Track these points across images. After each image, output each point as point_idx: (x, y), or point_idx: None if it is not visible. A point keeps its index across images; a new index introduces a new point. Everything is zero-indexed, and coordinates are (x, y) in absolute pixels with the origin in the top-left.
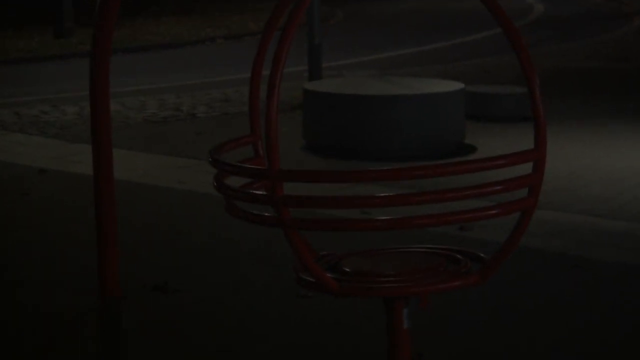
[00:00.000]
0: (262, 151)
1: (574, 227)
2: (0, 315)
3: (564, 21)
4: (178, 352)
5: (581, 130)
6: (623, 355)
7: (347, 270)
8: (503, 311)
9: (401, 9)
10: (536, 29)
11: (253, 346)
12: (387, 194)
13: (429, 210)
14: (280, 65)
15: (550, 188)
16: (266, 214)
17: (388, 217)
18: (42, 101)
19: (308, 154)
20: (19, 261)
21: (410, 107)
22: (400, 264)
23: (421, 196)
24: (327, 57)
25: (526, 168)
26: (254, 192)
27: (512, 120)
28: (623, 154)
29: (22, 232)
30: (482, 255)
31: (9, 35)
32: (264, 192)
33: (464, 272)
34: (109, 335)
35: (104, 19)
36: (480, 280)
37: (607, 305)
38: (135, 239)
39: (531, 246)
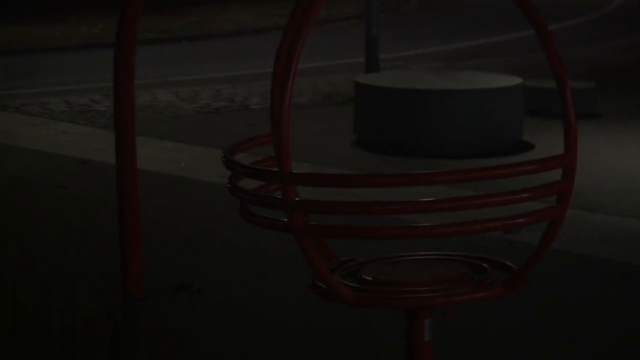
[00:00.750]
0: None
1: (625, 232)
2: (6, 314)
3: None
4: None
5: None
6: None
7: (367, 278)
8: (538, 323)
9: None
10: (611, 21)
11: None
12: (407, 200)
13: (453, 218)
14: (295, 59)
15: (604, 190)
16: (280, 219)
17: (407, 225)
18: (95, 90)
19: (359, 150)
20: (37, 257)
21: (466, 102)
22: (423, 273)
23: (442, 203)
24: (392, 48)
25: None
26: (266, 195)
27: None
28: None
29: (47, 227)
30: (509, 264)
31: (73, 22)
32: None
33: (489, 283)
34: (125, 336)
35: (126, 11)
36: (506, 293)
37: None
38: (168, 235)
39: (576, 251)
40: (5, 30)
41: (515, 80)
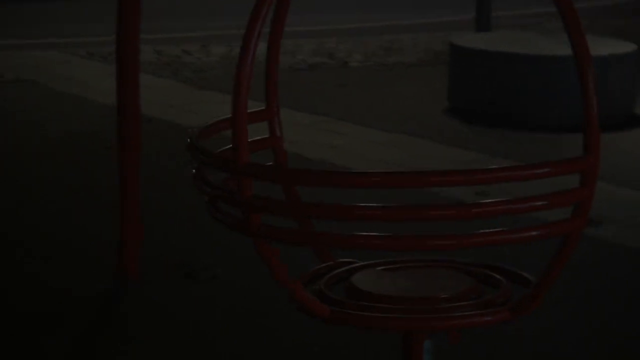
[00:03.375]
0: (279, 130)
1: None
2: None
3: None
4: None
5: None
6: None
7: (355, 288)
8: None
9: None
10: None
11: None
12: (395, 205)
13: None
14: (258, 21)
15: None
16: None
17: (393, 235)
18: (192, 39)
19: (451, 119)
20: (49, 231)
21: (573, 70)
22: (423, 285)
23: (438, 210)
24: (518, 3)
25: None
26: (224, 188)
27: None
28: None
29: (69, 198)
30: (530, 278)
31: None
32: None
33: (500, 303)
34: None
35: None
36: (512, 317)
37: None
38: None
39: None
40: None
41: (630, 47)
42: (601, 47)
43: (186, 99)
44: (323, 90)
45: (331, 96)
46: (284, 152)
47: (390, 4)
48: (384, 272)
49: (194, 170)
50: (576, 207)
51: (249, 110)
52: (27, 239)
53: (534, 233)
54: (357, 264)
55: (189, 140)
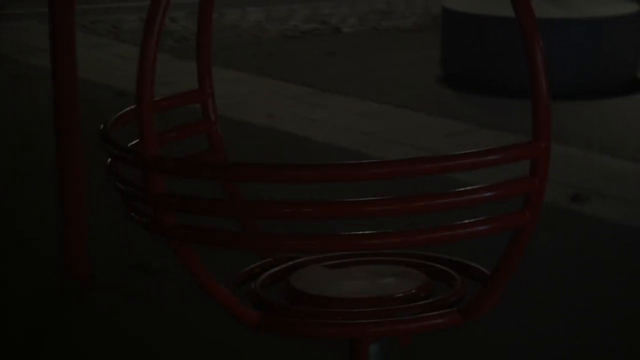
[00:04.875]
0: (212, 114)
1: None
2: None
3: None
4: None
5: None
6: None
7: (294, 288)
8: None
9: None
10: None
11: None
12: (328, 202)
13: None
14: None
15: None
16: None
17: (327, 234)
18: (179, 6)
19: (442, 87)
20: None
21: (570, 33)
22: (369, 284)
23: (372, 205)
24: None
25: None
26: (133, 183)
27: None
28: None
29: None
30: (488, 272)
31: None
32: None
33: (452, 303)
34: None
35: None
36: (460, 321)
37: None
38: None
39: None
40: None
41: (632, 8)
42: (600, 7)
43: (163, 69)
44: (311, 59)
45: (319, 65)
46: (220, 137)
47: None
48: (327, 269)
49: (107, 164)
50: (527, 198)
51: (182, 91)
52: None
53: (488, 227)
54: (299, 260)
55: (100, 132)
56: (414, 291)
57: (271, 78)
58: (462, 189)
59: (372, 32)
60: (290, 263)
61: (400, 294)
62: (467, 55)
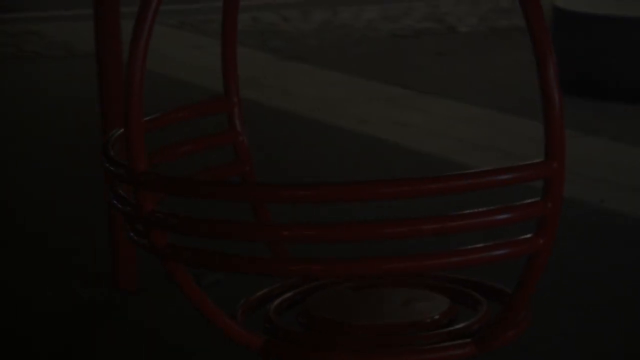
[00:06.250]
0: (239, 124)
1: None
2: None
3: None
4: None
5: None
6: None
7: (310, 313)
8: None
9: None
10: None
11: None
12: (323, 224)
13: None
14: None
15: None
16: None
17: (328, 259)
18: (292, 5)
19: None
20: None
21: None
22: (388, 308)
23: (389, 227)
24: None
25: None
26: (126, 199)
27: None
28: None
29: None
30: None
31: None
32: None
33: (475, 330)
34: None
35: None
36: (475, 351)
37: None
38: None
39: None
40: None
41: None
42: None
43: (262, 71)
44: (417, 60)
45: (424, 66)
46: (246, 149)
47: None
48: (349, 293)
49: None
50: (539, 221)
51: (203, 99)
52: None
53: (505, 251)
54: (321, 282)
55: (103, 145)
56: (437, 317)
57: (370, 79)
58: (472, 211)
59: (489, 32)
60: (310, 285)
61: (417, 321)
62: (576, 56)
